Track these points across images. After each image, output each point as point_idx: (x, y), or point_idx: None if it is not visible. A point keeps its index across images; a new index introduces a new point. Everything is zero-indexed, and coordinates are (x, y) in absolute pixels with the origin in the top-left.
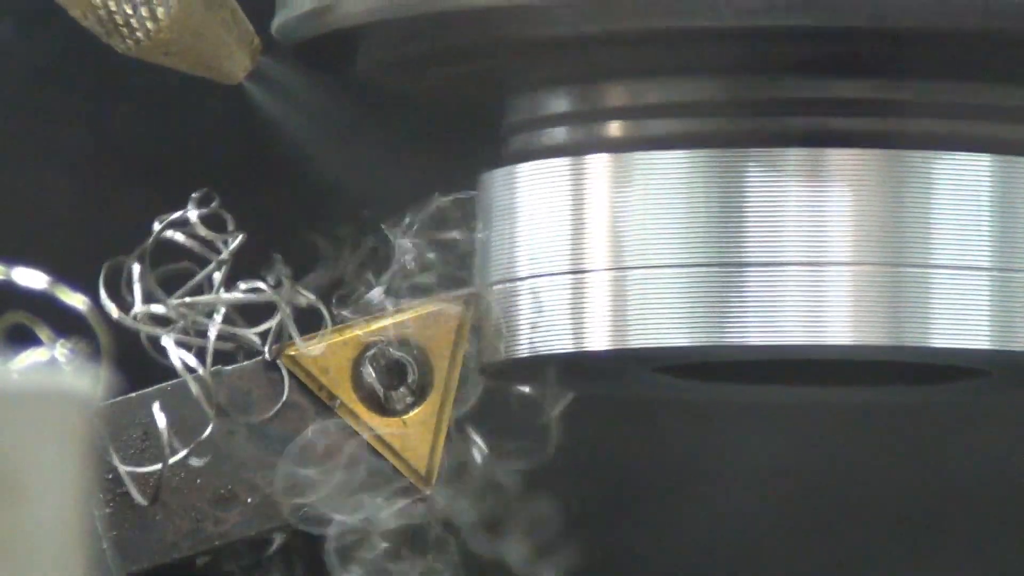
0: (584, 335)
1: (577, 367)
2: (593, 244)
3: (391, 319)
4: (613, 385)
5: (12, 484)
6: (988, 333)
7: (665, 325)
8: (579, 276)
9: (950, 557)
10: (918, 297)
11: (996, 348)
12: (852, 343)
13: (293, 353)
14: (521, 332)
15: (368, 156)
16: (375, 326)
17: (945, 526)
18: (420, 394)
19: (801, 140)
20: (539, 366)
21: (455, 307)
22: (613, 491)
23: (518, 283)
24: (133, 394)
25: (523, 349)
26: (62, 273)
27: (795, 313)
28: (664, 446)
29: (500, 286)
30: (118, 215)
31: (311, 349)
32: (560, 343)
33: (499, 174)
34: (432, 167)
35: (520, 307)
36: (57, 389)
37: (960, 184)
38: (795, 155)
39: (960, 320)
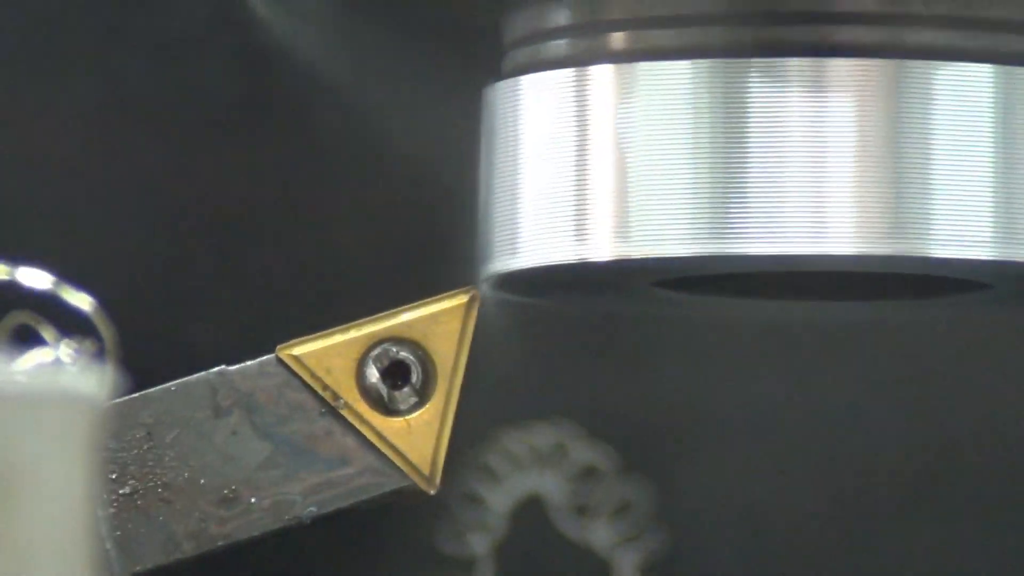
0: (586, 245)
1: (579, 278)
2: (595, 155)
3: (395, 319)
4: (614, 299)
5: (17, 484)
6: (990, 242)
7: (667, 234)
8: (582, 186)
9: (952, 508)
10: (920, 206)
11: (998, 258)
12: (854, 252)
13: (297, 353)
14: (523, 243)
15: (373, 73)
16: (378, 326)
17: (948, 480)
18: (424, 394)
19: (803, 50)
20: (541, 277)
21: (458, 306)
22: (614, 442)
23: (521, 194)
24: (137, 394)
25: (525, 260)
26: (69, 225)
27: (797, 222)
28: (667, 396)
29: (503, 197)
30: (125, 163)
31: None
32: (562, 253)
33: (502, 87)
34: (435, 79)
35: (522, 218)
36: (62, 390)
37: (961, 94)
38: (797, 65)
39: (962, 230)
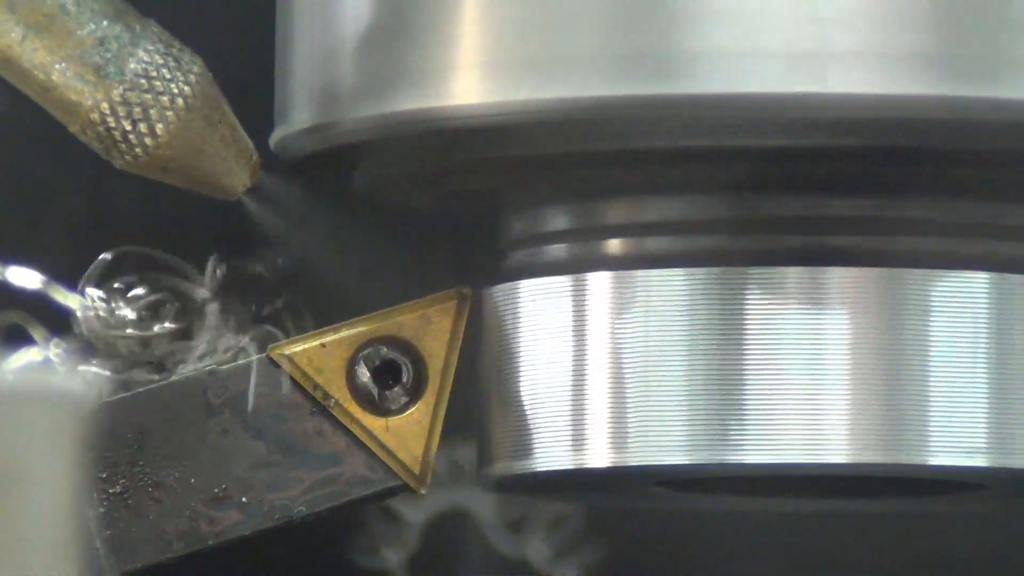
0: (584, 453)
1: (577, 482)
2: (594, 362)
3: (386, 319)
4: (613, 498)
5: (5, 484)
6: (985, 450)
7: (664, 444)
8: (579, 394)
9: None
10: (916, 416)
11: (994, 465)
12: (850, 462)
13: (288, 352)
14: (522, 449)
15: (367, 268)
16: (369, 326)
17: None
18: (414, 394)
19: (800, 259)
20: (540, 481)
21: (449, 306)
22: (617, 556)
23: (519, 399)
24: (128, 394)
25: (524, 465)
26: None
27: (794, 432)
28: (671, 514)
29: (501, 400)
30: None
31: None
32: (560, 460)
33: (499, 290)
34: (433, 280)
35: (521, 423)
36: (51, 389)
37: (957, 302)
38: (794, 274)
39: (957, 438)
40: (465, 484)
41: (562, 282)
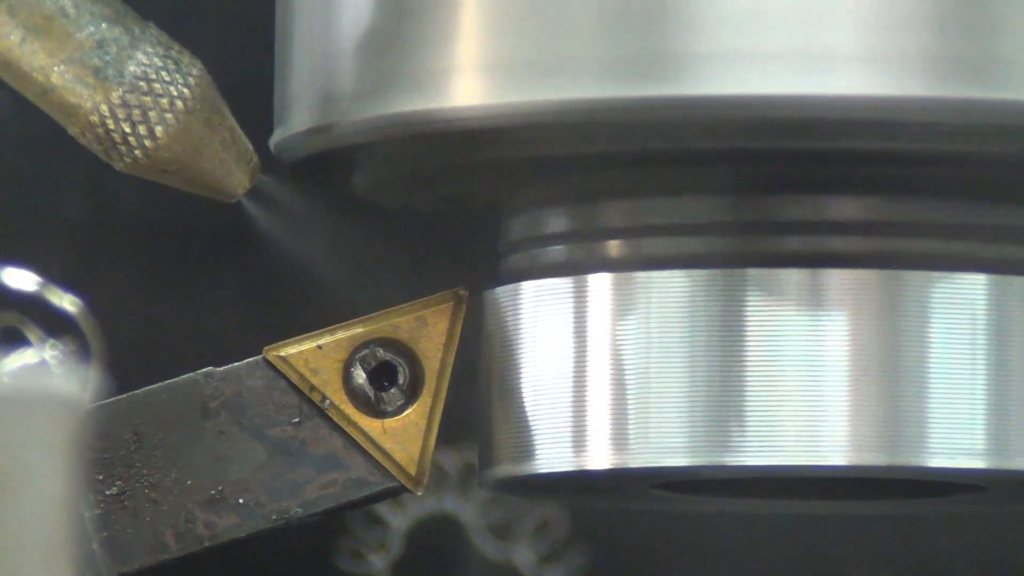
0: (584, 455)
1: (577, 484)
2: (594, 364)
3: (382, 320)
4: (612, 499)
5: (1, 486)
6: (984, 452)
7: (664, 445)
8: (580, 395)
9: None
10: (914, 417)
11: (992, 467)
12: (849, 463)
13: (284, 354)
14: (522, 450)
15: (365, 269)
16: (365, 327)
17: None
18: (411, 395)
19: (799, 261)
20: (540, 483)
21: (445, 308)
22: (602, 561)
23: (520, 401)
24: (124, 395)
25: (524, 467)
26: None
27: (793, 434)
28: (658, 518)
29: (502, 402)
30: (114, 284)
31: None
32: (560, 462)
33: (501, 292)
34: (431, 281)
35: (521, 424)
36: (47, 391)
37: (956, 304)
38: (793, 276)
39: (956, 440)
40: (450, 489)
41: (563, 284)
